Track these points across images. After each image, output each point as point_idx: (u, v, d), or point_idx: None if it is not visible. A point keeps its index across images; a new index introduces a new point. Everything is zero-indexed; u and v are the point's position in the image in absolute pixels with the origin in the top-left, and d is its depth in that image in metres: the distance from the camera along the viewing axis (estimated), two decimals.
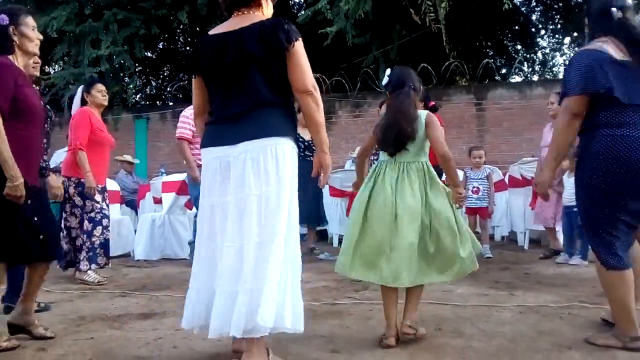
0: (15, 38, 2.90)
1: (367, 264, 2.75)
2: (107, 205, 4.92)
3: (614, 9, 2.60)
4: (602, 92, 2.52)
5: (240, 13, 2.48)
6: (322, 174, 2.54)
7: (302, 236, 6.49)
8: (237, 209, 2.32)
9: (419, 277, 2.72)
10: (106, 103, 4.99)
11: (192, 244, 5.45)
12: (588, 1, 2.74)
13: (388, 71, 2.96)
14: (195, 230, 4.90)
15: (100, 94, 4.88)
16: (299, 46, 2.36)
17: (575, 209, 5.06)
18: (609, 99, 2.53)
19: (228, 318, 2.23)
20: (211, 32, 2.51)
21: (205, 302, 2.39)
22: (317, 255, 6.08)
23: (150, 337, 3.00)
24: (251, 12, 2.48)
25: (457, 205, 2.80)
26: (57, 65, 12.19)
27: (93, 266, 4.67)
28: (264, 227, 2.29)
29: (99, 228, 4.69)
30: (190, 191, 5.31)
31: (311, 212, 6.08)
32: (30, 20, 2.99)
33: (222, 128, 2.43)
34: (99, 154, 4.78)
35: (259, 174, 2.31)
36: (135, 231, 6.68)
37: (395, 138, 2.78)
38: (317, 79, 10.51)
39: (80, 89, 4.98)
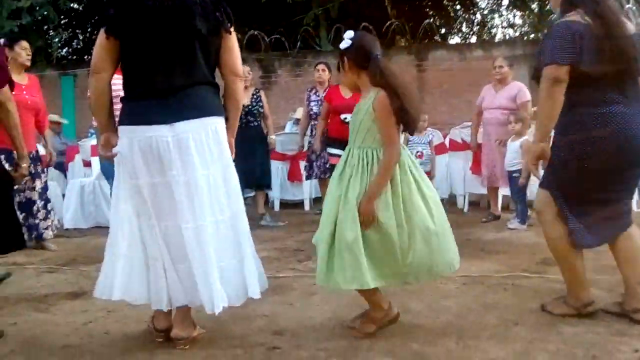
0: None
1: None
2: (36, 173, 4.58)
3: None
4: (579, 63, 2.42)
5: None
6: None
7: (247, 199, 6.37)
8: (185, 189, 2.27)
9: None
10: (29, 64, 4.57)
11: None
12: None
13: (350, 33, 2.48)
14: None
15: (25, 51, 4.46)
16: (233, 29, 2.39)
17: (515, 174, 5.17)
18: (584, 74, 2.45)
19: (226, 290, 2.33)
20: None
21: (140, 277, 2.39)
22: (257, 222, 5.93)
23: (79, 321, 2.80)
24: None
25: None
26: None
27: None
28: (218, 205, 2.34)
29: None
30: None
31: (260, 176, 5.93)
32: None
33: (151, 104, 2.26)
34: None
35: (203, 154, 2.29)
36: (64, 197, 6.30)
37: (418, 111, 2.42)
38: (255, 37, 10.16)
39: None
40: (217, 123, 2.35)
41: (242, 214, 2.42)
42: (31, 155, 4.54)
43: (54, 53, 10.85)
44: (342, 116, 5.30)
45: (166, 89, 2.27)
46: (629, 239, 2.64)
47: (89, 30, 14.06)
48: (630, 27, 2.56)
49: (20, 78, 4.48)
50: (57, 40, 11.40)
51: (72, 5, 11.12)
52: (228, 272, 2.34)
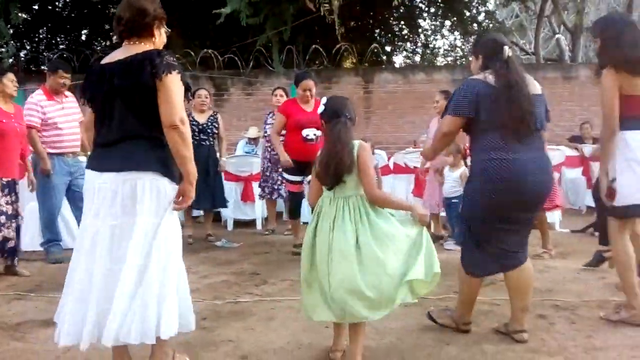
0: None
1: (325, 303, 2.71)
2: (14, 199, 4.82)
3: (506, 47, 3.04)
4: (470, 116, 2.98)
5: (130, 43, 2.56)
6: (182, 199, 2.55)
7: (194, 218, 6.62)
8: (94, 235, 2.45)
9: (370, 312, 2.64)
10: (16, 94, 4.85)
11: (46, 244, 5.47)
12: (479, 39, 3.16)
13: (324, 99, 2.91)
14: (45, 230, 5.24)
15: (12, 83, 4.78)
16: (169, 80, 2.40)
17: (454, 200, 5.67)
18: (484, 123, 2.97)
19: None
20: (103, 61, 2.59)
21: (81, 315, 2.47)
22: (213, 242, 6.20)
23: (59, 349, 2.98)
24: (142, 43, 2.55)
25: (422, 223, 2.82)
26: None
27: None
28: (117, 255, 2.42)
29: None
30: (40, 184, 5.23)
31: (208, 196, 6.14)
32: None
33: (98, 154, 2.59)
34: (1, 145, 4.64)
35: (115, 205, 2.43)
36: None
37: (335, 170, 2.68)
38: (209, 56, 10.34)
39: None
40: (138, 179, 2.43)
41: (148, 268, 2.42)
42: (15, 182, 4.77)
43: (5, 65, 10.71)
44: (305, 132, 5.01)
45: (101, 142, 2.57)
46: (521, 271, 3.10)
47: (36, 40, 13.95)
48: (535, 87, 3.07)
49: (8, 107, 4.80)
50: (5, 50, 11.24)
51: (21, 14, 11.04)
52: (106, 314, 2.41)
